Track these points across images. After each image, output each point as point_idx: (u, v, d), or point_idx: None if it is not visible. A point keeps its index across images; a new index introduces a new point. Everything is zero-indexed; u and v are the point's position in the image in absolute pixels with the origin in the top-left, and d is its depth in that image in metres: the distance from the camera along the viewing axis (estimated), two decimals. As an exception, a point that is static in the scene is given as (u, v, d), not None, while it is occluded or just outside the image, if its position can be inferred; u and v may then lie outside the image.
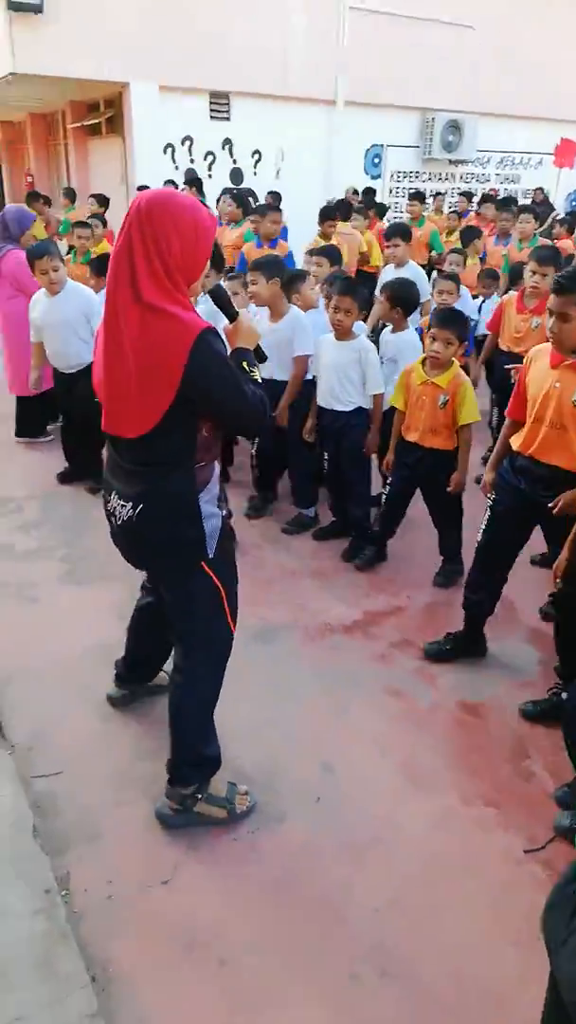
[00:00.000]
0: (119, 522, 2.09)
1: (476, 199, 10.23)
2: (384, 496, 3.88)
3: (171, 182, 9.66)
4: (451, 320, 3.49)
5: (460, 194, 10.31)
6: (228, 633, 2.28)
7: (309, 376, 4.08)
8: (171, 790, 2.34)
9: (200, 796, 2.33)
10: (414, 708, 2.92)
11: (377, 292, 4.73)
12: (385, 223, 8.84)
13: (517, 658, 3.24)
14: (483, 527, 3.02)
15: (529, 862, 2.27)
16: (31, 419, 5.52)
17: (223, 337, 2.02)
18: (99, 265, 5.03)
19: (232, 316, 2.16)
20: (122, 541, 2.16)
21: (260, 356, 2.21)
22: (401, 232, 5.68)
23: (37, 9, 9.55)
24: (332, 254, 5.10)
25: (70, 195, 10.54)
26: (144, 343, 1.85)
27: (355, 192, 10.37)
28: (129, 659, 2.79)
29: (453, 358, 3.52)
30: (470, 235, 6.96)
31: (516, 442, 2.85)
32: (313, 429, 4.06)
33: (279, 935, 2.03)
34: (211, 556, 2.09)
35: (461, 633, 3.20)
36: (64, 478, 4.83)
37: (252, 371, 2.09)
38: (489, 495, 3.02)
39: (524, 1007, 1.85)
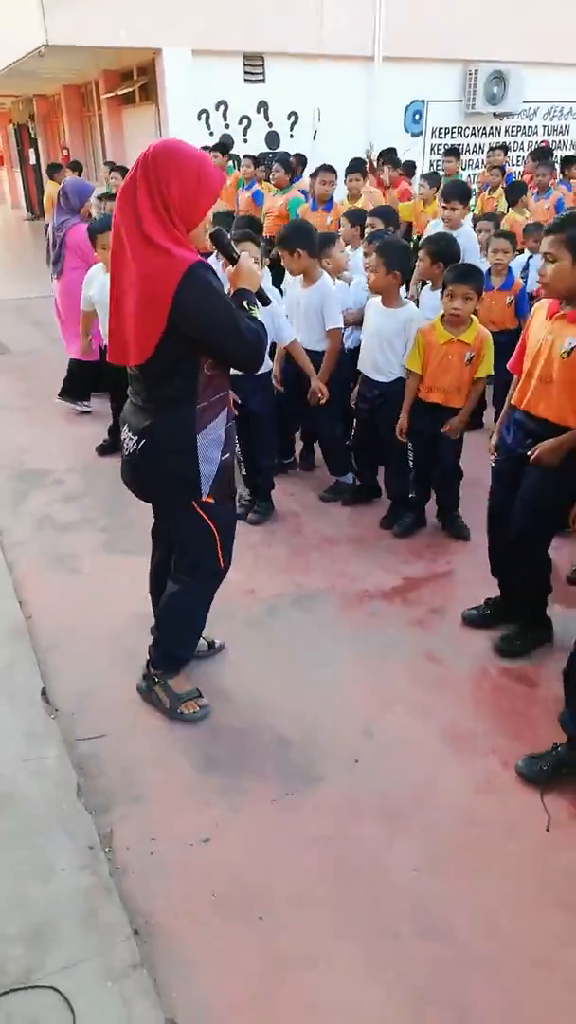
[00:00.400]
0: (126, 454, 2.29)
1: (524, 153, 9.75)
2: (411, 462, 3.82)
3: (206, 148, 9.51)
4: (467, 275, 3.38)
5: (495, 148, 9.86)
6: (216, 567, 2.50)
7: (352, 344, 4.00)
8: (145, 667, 2.69)
9: (158, 681, 2.63)
10: (454, 673, 2.89)
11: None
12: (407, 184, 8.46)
13: (559, 623, 3.17)
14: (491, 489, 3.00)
15: (572, 824, 2.24)
16: (79, 382, 5.59)
17: (218, 272, 2.14)
18: None
19: (233, 260, 2.26)
20: (127, 473, 2.37)
21: (263, 299, 2.29)
22: (459, 194, 5.24)
23: (67, -21, 9.43)
24: (387, 214, 5.03)
25: (120, 171, 10.39)
26: (142, 274, 2.00)
27: (379, 156, 9.72)
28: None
29: (472, 314, 3.44)
30: (516, 193, 6.70)
31: (514, 397, 2.81)
32: (357, 397, 3.97)
33: (318, 893, 2.05)
34: (203, 497, 2.25)
35: (500, 598, 3.15)
36: (103, 451, 4.88)
37: (251, 309, 2.19)
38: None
39: (567, 968, 1.85)
